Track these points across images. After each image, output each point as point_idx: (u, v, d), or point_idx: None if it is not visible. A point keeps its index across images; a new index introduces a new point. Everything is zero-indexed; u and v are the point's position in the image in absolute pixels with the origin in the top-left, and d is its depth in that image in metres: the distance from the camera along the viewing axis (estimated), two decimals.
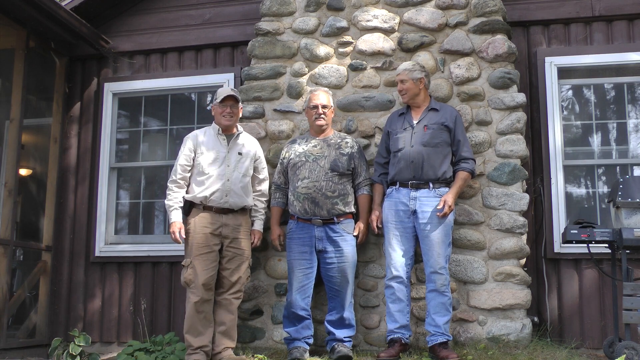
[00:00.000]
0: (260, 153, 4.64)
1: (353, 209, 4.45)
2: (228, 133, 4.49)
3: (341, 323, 4.35)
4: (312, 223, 4.35)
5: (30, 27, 5.57)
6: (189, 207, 4.41)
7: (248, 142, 4.57)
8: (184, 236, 4.35)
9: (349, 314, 4.37)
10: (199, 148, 4.44)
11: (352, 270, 4.38)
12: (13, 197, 5.42)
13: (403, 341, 4.23)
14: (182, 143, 4.57)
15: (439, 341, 4.12)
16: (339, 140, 4.53)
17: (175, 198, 4.40)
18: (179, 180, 4.42)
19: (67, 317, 5.75)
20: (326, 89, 4.72)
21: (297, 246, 4.38)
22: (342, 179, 4.40)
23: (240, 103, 4.53)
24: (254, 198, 4.57)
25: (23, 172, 6.74)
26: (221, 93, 4.50)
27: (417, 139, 4.33)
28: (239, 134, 4.52)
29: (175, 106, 5.98)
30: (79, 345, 4.71)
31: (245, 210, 4.50)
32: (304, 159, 4.45)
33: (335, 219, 4.34)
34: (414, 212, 4.26)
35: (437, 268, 4.18)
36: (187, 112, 5.97)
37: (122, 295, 5.65)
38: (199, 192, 4.35)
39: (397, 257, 4.27)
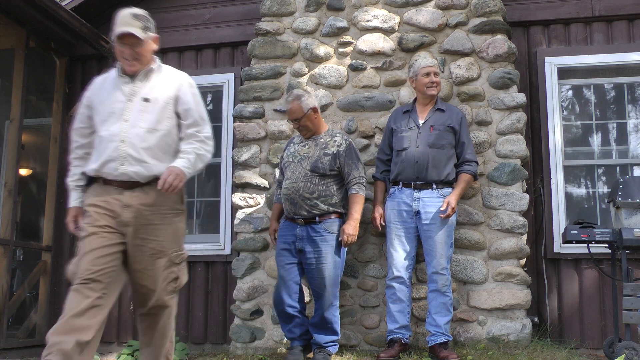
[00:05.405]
0: (187, 91, 3.20)
1: (340, 209, 4.22)
2: (134, 73, 3.17)
3: (323, 326, 4.20)
4: (296, 222, 4.23)
5: (30, 27, 5.57)
6: (89, 183, 3.21)
7: (164, 81, 3.19)
8: (79, 225, 3.18)
9: (331, 316, 4.19)
10: (94, 101, 3.20)
11: (332, 272, 4.13)
12: (13, 197, 5.42)
13: (403, 341, 4.23)
14: None
15: (439, 341, 4.12)
16: (328, 139, 4.28)
17: (74, 175, 3.25)
18: (76, 150, 3.26)
19: None
20: (301, 93, 4.32)
21: (281, 243, 4.28)
22: (326, 179, 4.19)
23: (148, 32, 3.14)
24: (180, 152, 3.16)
25: (23, 172, 6.75)
26: (116, 25, 3.17)
27: (423, 140, 4.32)
28: (148, 70, 3.17)
29: None
30: None
31: None
32: (291, 159, 4.34)
33: (317, 218, 4.17)
34: (417, 213, 4.26)
35: (439, 269, 4.17)
36: None
37: (122, 295, 5.64)
38: (91, 163, 3.14)
39: (399, 258, 4.27)
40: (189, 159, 3.08)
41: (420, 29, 4.89)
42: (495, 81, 4.71)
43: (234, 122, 5.22)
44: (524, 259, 4.62)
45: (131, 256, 3.06)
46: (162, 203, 3.07)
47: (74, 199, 3.25)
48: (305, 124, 4.28)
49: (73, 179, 3.26)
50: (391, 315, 4.27)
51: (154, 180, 3.05)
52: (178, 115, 3.17)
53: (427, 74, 4.39)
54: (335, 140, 4.27)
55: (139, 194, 3.05)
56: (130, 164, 3.03)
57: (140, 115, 3.09)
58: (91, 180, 3.15)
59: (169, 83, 3.19)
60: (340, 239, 4.15)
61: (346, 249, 4.27)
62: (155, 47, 3.22)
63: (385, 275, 4.46)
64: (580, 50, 5.14)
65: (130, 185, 3.05)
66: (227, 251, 5.43)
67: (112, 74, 3.27)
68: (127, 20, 3.13)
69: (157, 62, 3.25)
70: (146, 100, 3.11)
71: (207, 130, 3.22)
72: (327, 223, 4.17)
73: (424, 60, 4.50)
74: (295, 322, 4.25)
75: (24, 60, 5.57)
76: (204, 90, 5.93)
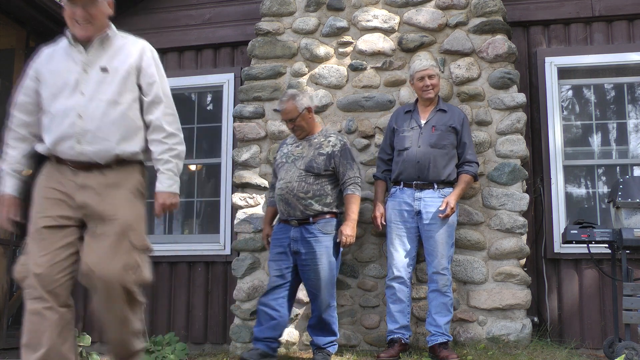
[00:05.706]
0: (151, 62, 2.91)
1: (335, 209, 4.17)
2: (89, 41, 2.83)
3: (321, 327, 4.18)
4: (290, 224, 4.19)
5: (30, 27, 5.58)
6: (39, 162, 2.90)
7: (123, 49, 2.89)
8: (14, 217, 2.84)
9: (328, 317, 4.17)
10: (42, 72, 2.84)
11: (328, 272, 4.08)
12: None
13: (403, 341, 4.23)
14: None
15: (439, 341, 4.12)
16: (322, 139, 4.24)
17: (11, 158, 2.86)
18: (16, 129, 2.86)
19: None
20: (295, 92, 4.33)
21: (275, 247, 4.24)
22: (320, 179, 4.15)
23: None
24: (147, 140, 2.90)
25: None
26: None
27: (424, 140, 4.31)
28: (104, 37, 2.85)
29: (175, 106, 5.95)
30: (79, 345, 4.71)
31: (127, 163, 2.83)
32: (284, 159, 4.30)
33: (311, 219, 4.12)
34: (418, 213, 4.26)
35: (439, 269, 4.18)
36: (187, 112, 5.97)
37: None
38: (44, 141, 2.80)
39: (400, 258, 4.27)
40: (172, 170, 2.81)
41: (420, 29, 4.89)
42: (495, 81, 4.71)
43: (234, 122, 5.22)
44: (524, 259, 4.62)
45: (87, 241, 2.68)
46: (123, 184, 2.75)
47: (9, 187, 2.81)
48: (300, 124, 4.25)
49: (10, 163, 2.82)
50: (391, 315, 4.26)
51: (114, 163, 2.74)
52: (140, 88, 2.85)
53: (421, 78, 4.37)
54: (329, 141, 4.24)
55: (96, 175, 2.72)
56: (88, 143, 2.69)
57: (99, 87, 2.74)
58: (41, 159, 2.78)
59: (130, 51, 2.85)
60: (338, 240, 4.12)
61: (342, 249, 4.23)
62: (110, 11, 2.87)
63: (385, 275, 4.46)
64: (580, 50, 5.14)
65: (87, 166, 2.72)
66: (227, 251, 5.43)
67: (62, 43, 2.86)
68: None
69: (112, 28, 2.89)
70: (104, 70, 2.77)
71: (172, 111, 2.93)
72: (321, 223, 4.12)
73: (419, 63, 4.44)
74: (271, 324, 4.12)
75: (24, 60, 5.56)
76: (203, 90, 5.96)
